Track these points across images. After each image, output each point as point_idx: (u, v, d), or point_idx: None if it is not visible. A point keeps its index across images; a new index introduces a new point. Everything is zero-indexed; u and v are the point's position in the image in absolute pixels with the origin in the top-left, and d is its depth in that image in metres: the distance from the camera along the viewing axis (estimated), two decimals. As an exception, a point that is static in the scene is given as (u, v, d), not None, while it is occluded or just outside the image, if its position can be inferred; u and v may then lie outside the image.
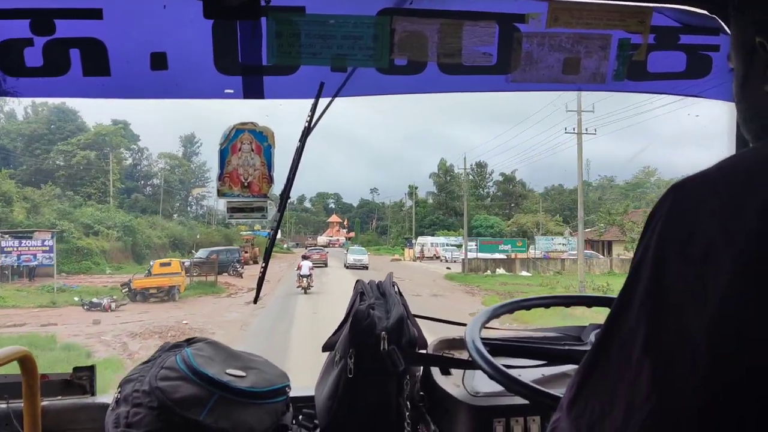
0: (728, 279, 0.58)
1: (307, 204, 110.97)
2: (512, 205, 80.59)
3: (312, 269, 28.43)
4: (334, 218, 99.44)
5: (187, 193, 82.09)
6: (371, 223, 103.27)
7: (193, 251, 43.86)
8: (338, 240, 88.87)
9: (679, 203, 0.67)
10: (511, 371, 1.28)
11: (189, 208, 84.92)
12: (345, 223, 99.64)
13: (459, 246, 57.53)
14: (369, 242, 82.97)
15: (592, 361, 0.69)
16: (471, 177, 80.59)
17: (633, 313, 0.65)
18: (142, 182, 78.18)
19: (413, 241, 67.66)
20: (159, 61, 1.60)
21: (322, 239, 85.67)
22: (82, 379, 1.69)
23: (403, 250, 69.96)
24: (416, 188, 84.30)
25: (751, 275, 0.58)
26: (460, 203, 71.58)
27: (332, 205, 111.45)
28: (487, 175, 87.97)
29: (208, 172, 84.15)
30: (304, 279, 27.02)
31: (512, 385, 1.20)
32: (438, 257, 60.52)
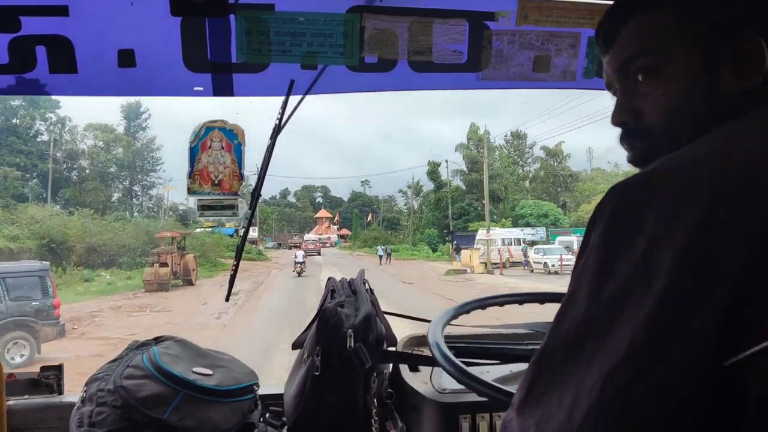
0: (668, 274, 0.59)
1: (292, 198, 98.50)
2: (558, 188, 65.23)
3: (305, 257, 35.72)
4: (322, 213, 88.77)
5: (132, 179, 67.55)
6: (366, 218, 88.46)
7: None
8: (329, 238, 78.43)
9: (622, 203, 0.67)
10: (476, 368, 1.28)
11: (134, 200, 70.42)
12: (336, 218, 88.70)
13: (531, 243, 42.95)
14: (375, 240, 67.64)
15: (541, 361, 0.69)
16: (506, 151, 66.52)
17: (580, 312, 0.66)
18: (66, 165, 60.15)
19: (476, 237, 43.94)
20: (127, 58, 1.59)
21: (309, 237, 72.53)
22: (50, 378, 1.67)
23: (432, 250, 56.43)
24: (438, 166, 62.58)
25: (688, 271, 0.59)
26: (500, 184, 59.15)
27: (320, 199, 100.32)
28: (527, 149, 69.85)
29: (157, 151, 69.56)
30: (299, 265, 33.63)
31: (473, 383, 1.20)
32: (512, 260, 40.03)
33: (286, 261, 43.59)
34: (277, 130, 1.70)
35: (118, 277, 32.88)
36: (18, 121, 56.04)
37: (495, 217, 55.70)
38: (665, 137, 0.81)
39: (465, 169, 63.40)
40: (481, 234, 42.99)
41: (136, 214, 64.65)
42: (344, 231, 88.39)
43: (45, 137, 59.19)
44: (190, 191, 1.75)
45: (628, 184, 0.68)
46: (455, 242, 49.00)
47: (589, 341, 0.63)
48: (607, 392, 0.59)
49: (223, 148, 1.76)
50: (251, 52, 1.62)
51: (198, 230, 47.99)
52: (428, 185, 70.65)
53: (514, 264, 40.03)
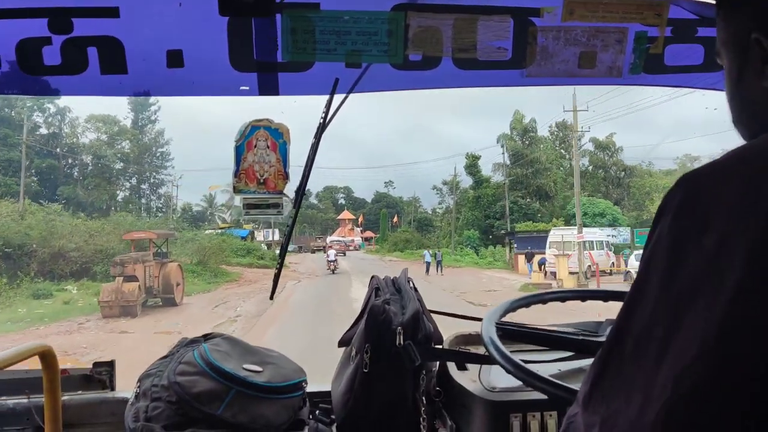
0: (743, 269, 0.58)
1: (313, 200, 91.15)
2: (609, 185, 56.99)
3: (337, 256, 38.73)
4: (345, 215, 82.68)
5: (141, 176, 61.48)
6: (392, 220, 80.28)
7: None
8: (353, 241, 71.40)
9: (691, 195, 0.66)
10: (527, 366, 1.27)
11: (142, 199, 64.18)
12: (360, 220, 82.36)
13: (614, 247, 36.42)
14: (407, 243, 61.20)
15: (607, 357, 0.68)
16: (550, 143, 57.22)
17: (647, 307, 0.65)
18: (67, 162, 54.61)
19: (547, 239, 34.56)
20: (175, 58, 1.61)
21: (332, 240, 66.79)
22: (102, 374, 1.71)
23: (477, 254, 47.84)
24: (477, 159, 54.76)
25: (761, 266, 0.58)
26: (548, 180, 52.82)
27: (342, 201, 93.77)
28: (575, 140, 58.24)
29: (166, 145, 63.38)
30: (331, 263, 36.67)
31: (529, 378, 1.20)
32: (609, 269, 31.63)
33: (307, 268, 39.31)
34: (322, 128, 1.71)
35: (86, 291, 25.42)
36: (14, 113, 50.56)
37: (542, 216, 49.95)
38: (734, 123, 0.85)
39: (508, 162, 54.99)
40: (554, 235, 34.09)
41: (144, 214, 58.73)
42: (368, 233, 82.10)
43: (44, 130, 54.26)
44: (236, 190, 1.77)
45: (697, 175, 0.67)
46: (515, 245, 41.10)
47: (658, 337, 0.62)
48: (679, 391, 0.58)
49: (268, 147, 1.77)
50: (297, 51, 1.63)
51: (208, 231, 45.41)
52: (465, 181, 61.97)
53: (602, 273, 29.95)
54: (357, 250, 69.02)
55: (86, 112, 57.53)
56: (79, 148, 56.11)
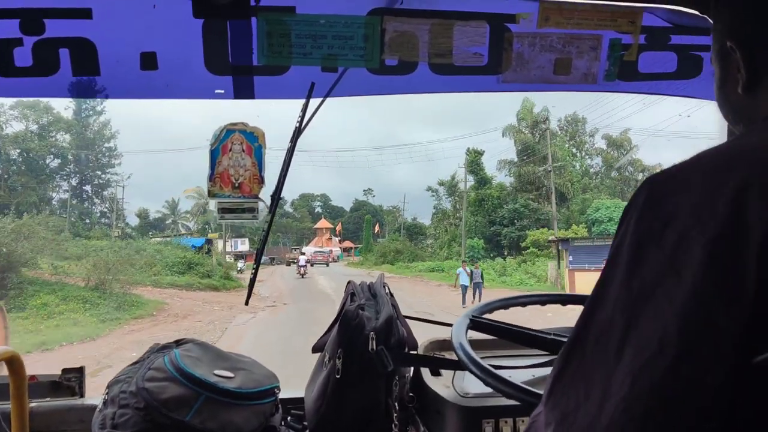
0: (701, 267, 0.59)
1: (288, 208, 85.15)
2: (625, 186, 49.95)
3: (307, 262, 38.69)
4: (322, 224, 75.53)
5: (82, 176, 52.88)
6: (374, 228, 70.82)
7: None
8: (330, 252, 62.99)
9: (654, 196, 0.67)
10: (499, 372, 1.27)
11: (86, 203, 54.91)
12: (338, 229, 75.22)
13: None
14: (398, 254, 51.71)
15: (569, 353, 0.69)
16: (559, 135, 50.06)
17: (609, 304, 0.65)
18: None
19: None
20: (149, 61, 1.60)
21: (308, 251, 59.88)
22: (71, 380, 1.68)
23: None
24: (480, 155, 47.67)
25: (719, 261, 0.59)
26: (564, 179, 45.54)
27: (319, 209, 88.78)
28: (587, 137, 52.48)
29: (113, 138, 54.19)
30: (301, 268, 37.71)
31: (500, 385, 1.19)
32: None
33: (273, 290, 27.96)
34: (298, 132, 1.71)
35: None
36: None
37: (557, 222, 41.40)
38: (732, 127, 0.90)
39: (515, 158, 48.01)
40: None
41: (88, 221, 51.59)
42: (347, 243, 76.08)
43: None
44: (211, 194, 1.76)
45: (661, 176, 0.69)
46: (570, 257, 28.96)
47: (617, 334, 0.63)
48: (638, 387, 0.59)
49: (243, 150, 1.76)
50: (272, 55, 1.62)
51: (157, 239, 39.07)
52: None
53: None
54: (335, 261, 62.45)
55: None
56: (2, 139, 46.36)
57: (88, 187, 56.65)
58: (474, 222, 46.87)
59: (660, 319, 0.60)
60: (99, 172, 56.29)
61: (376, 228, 71.15)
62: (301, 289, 27.72)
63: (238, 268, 42.19)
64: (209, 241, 46.18)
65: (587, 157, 52.51)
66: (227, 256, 50.70)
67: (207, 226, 64.56)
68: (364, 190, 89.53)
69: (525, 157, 47.42)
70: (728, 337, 0.57)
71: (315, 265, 50.94)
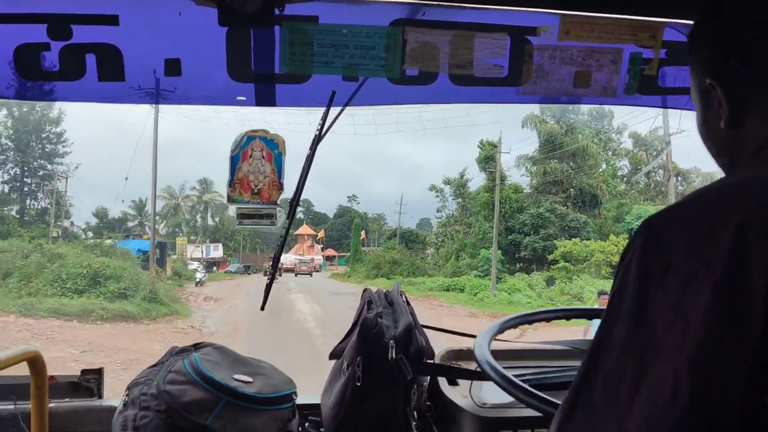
0: (708, 309, 0.59)
1: None
2: (658, 192, 42.30)
3: (287, 270, 35.22)
4: (304, 230, 69.48)
5: (25, 166, 45.75)
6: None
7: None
8: (312, 260, 57.61)
9: (653, 237, 0.68)
10: (520, 382, 1.28)
11: (29, 199, 47.67)
12: (320, 236, 69.70)
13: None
14: (395, 265, 42.96)
15: (575, 399, 0.69)
16: (590, 128, 42.21)
17: (616, 347, 0.66)
18: None
19: None
20: (173, 67, 1.62)
21: (287, 259, 53.34)
22: (90, 381, 1.69)
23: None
24: (494, 148, 38.70)
25: (729, 304, 0.59)
26: (597, 181, 38.84)
27: (301, 215, 79.31)
28: (614, 133, 44.86)
29: (58, 123, 46.54)
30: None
31: (524, 396, 1.20)
32: None
33: (228, 317, 20.80)
34: (317, 140, 1.72)
35: None
36: None
37: (589, 232, 35.45)
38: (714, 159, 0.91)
39: (537, 153, 40.19)
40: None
41: (27, 218, 44.30)
42: (330, 251, 71.48)
43: None
44: (230, 199, 1.77)
45: (658, 218, 0.70)
46: None
47: (628, 379, 0.63)
48: None
49: (263, 157, 1.77)
50: (294, 63, 1.64)
51: (108, 241, 33.33)
52: (475, 181, 44.75)
53: None
54: (317, 270, 57.04)
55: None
56: None
57: (30, 180, 48.32)
58: (488, 229, 38.51)
59: (670, 364, 0.60)
60: (45, 162, 48.25)
61: (362, 235, 62.30)
62: (269, 320, 17.28)
63: (197, 280, 36.06)
64: (162, 245, 39.80)
65: (615, 157, 44.34)
66: (196, 263, 46.60)
67: (178, 229, 61.82)
68: (348, 197, 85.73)
69: (549, 152, 39.77)
70: (740, 380, 0.57)
71: (299, 276, 47.54)
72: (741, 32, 0.82)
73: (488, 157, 39.76)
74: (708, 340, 0.59)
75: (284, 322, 18.52)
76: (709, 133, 0.89)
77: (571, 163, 39.06)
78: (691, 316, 0.60)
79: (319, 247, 70.03)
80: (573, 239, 34.54)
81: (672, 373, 0.59)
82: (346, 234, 69.43)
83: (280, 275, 42.32)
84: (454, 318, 22.62)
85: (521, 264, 37.90)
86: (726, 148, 0.86)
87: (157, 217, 60.06)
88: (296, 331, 17.31)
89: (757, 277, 0.59)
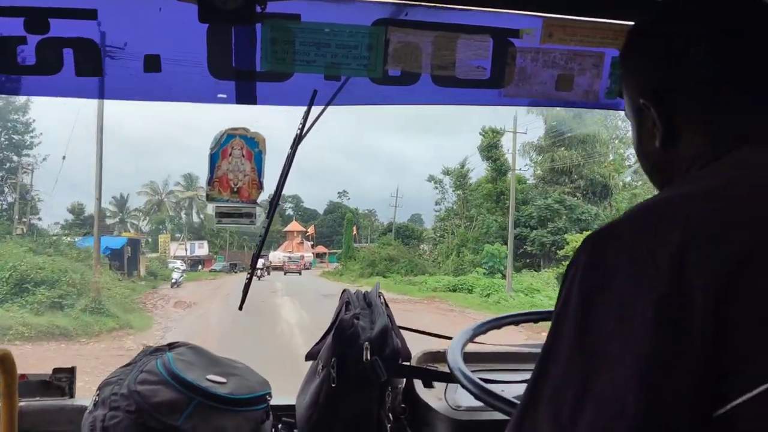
0: (651, 323, 0.60)
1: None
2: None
3: (274, 269, 36.78)
4: (293, 226, 67.14)
5: None
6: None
7: None
8: (302, 258, 55.47)
9: (596, 253, 0.68)
10: (492, 386, 1.27)
11: None
12: (311, 233, 67.25)
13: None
14: (392, 262, 39.28)
15: (523, 415, 0.68)
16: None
17: (560, 367, 0.65)
18: None
19: None
20: (152, 63, 1.60)
21: (276, 256, 53.04)
22: (62, 380, 1.67)
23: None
24: (500, 137, 36.84)
25: (671, 318, 0.60)
26: (609, 170, 36.36)
27: (290, 211, 79.81)
28: (620, 120, 39.75)
29: (26, 111, 42.03)
30: (259, 271, 31.62)
31: (494, 401, 1.19)
32: None
33: (194, 330, 17.30)
34: (298, 139, 1.71)
35: None
36: None
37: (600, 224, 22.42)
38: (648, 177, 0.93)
39: (542, 141, 37.50)
40: None
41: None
42: (320, 248, 68.54)
43: None
44: (209, 198, 1.75)
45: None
46: None
47: (572, 396, 0.63)
48: None
49: (243, 155, 1.76)
50: (276, 61, 1.63)
51: (67, 239, 32.56)
52: (476, 172, 42.04)
53: None
54: (307, 268, 54.60)
55: None
56: None
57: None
58: (491, 223, 36.32)
59: (616, 378, 0.60)
60: (11, 154, 44.21)
61: (354, 231, 58.32)
62: (246, 331, 14.81)
63: (173, 281, 32.86)
64: (135, 242, 37.90)
65: (622, 144, 40.04)
66: (178, 262, 44.58)
67: (161, 226, 59.82)
68: (338, 192, 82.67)
69: (556, 137, 36.94)
70: (686, 393, 0.58)
71: (288, 274, 45.87)
72: (673, 50, 0.82)
73: (491, 145, 37.56)
74: (653, 354, 0.59)
75: (265, 335, 15.82)
76: (644, 152, 0.89)
77: (581, 151, 36.53)
78: (635, 330, 0.60)
79: (309, 244, 67.40)
80: (584, 233, 30.02)
81: (618, 387, 0.59)
82: (336, 230, 67.00)
83: (268, 274, 41.48)
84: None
85: (527, 260, 35.60)
86: (660, 165, 0.87)
87: (139, 214, 60.66)
88: (279, 348, 13.83)
89: (697, 292, 0.59)
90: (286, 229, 67.78)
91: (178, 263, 43.96)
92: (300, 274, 47.77)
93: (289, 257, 53.41)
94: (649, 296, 0.61)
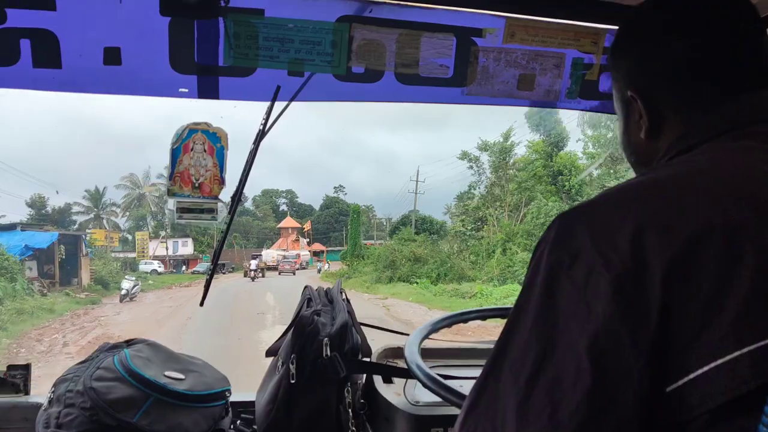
0: (608, 299, 0.63)
1: (249, 205, 70.93)
2: None
3: (269, 269, 38.04)
4: (288, 222, 62.78)
5: None
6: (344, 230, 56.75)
7: None
8: (298, 256, 51.41)
9: (564, 229, 0.71)
10: (451, 382, 1.28)
11: None
12: (307, 229, 62.77)
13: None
14: (417, 263, 30.90)
15: (483, 383, 0.70)
16: None
17: (524, 335, 0.68)
18: None
19: None
20: (112, 56, 1.58)
21: (269, 255, 49.95)
22: (16, 377, 1.64)
23: None
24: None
25: (627, 296, 0.63)
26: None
27: (284, 207, 76.68)
28: None
29: None
30: (252, 272, 35.90)
31: (450, 396, 1.21)
32: None
33: None
34: (261, 135, 1.70)
35: None
36: None
37: None
38: (632, 167, 0.96)
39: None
40: None
41: None
42: (317, 246, 63.63)
43: None
44: (170, 193, 1.73)
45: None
46: None
47: (533, 361, 0.65)
48: (558, 417, 0.61)
49: (205, 150, 1.74)
50: (239, 56, 1.62)
51: None
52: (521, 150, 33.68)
53: None
54: (303, 268, 51.06)
55: None
56: None
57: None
58: (550, 210, 28.04)
59: (574, 349, 0.63)
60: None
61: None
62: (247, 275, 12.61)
63: (123, 293, 26.01)
64: (74, 238, 30.37)
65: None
66: (156, 262, 41.72)
67: (142, 222, 56.05)
68: (334, 187, 79.17)
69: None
70: (639, 366, 0.60)
71: (282, 275, 42.78)
72: (661, 44, 0.85)
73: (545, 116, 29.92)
74: (608, 327, 0.62)
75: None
76: (629, 143, 0.92)
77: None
78: (593, 304, 0.63)
79: (306, 241, 62.09)
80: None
81: (575, 358, 0.62)
82: (334, 227, 64.63)
83: (263, 275, 39.00)
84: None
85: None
86: (644, 157, 0.90)
87: (117, 209, 57.05)
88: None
89: (652, 273, 0.62)
90: (280, 225, 63.71)
91: (156, 264, 41.00)
92: (294, 274, 43.70)
93: (284, 256, 50.22)
94: (607, 275, 0.63)
